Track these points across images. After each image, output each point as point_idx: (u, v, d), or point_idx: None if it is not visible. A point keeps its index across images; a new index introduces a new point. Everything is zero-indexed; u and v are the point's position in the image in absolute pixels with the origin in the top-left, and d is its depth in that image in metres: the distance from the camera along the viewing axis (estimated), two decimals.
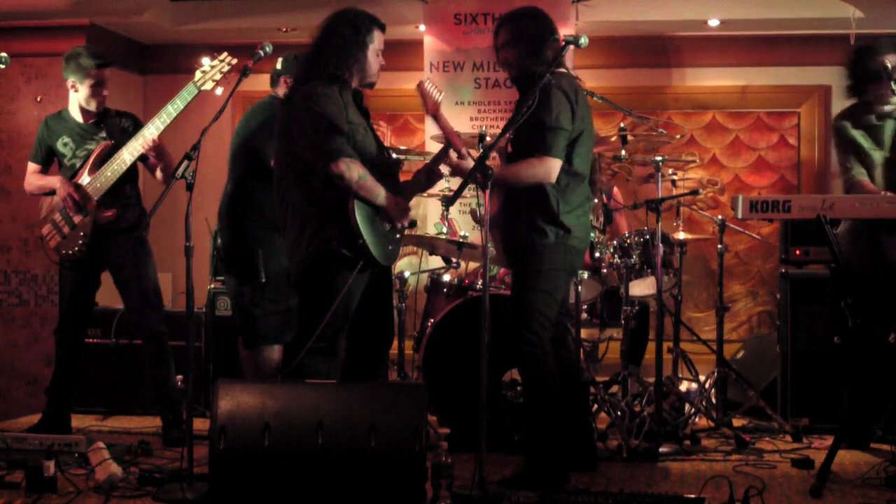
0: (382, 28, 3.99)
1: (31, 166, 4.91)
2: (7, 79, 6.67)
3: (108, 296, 5.08)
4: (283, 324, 4.44)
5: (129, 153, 4.66)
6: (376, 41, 3.94)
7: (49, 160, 4.91)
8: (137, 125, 4.88)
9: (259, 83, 4.76)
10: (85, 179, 4.72)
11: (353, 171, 3.75)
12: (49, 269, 6.60)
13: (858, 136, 4.39)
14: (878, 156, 4.37)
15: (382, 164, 3.96)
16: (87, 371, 5.21)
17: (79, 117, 4.83)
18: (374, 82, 4.01)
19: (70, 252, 4.75)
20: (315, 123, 3.76)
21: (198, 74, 4.56)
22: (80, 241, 4.72)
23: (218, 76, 4.53)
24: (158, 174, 4.77)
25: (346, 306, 3.84)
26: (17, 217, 6.76)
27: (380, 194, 3.83)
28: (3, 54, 4.05)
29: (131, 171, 4.76)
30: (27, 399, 6.48)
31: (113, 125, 4.84)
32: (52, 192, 4.80)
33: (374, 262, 3.83)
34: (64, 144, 4.81)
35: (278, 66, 4.63)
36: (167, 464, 4.15)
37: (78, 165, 4.77)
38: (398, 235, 3.99)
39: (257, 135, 4.47)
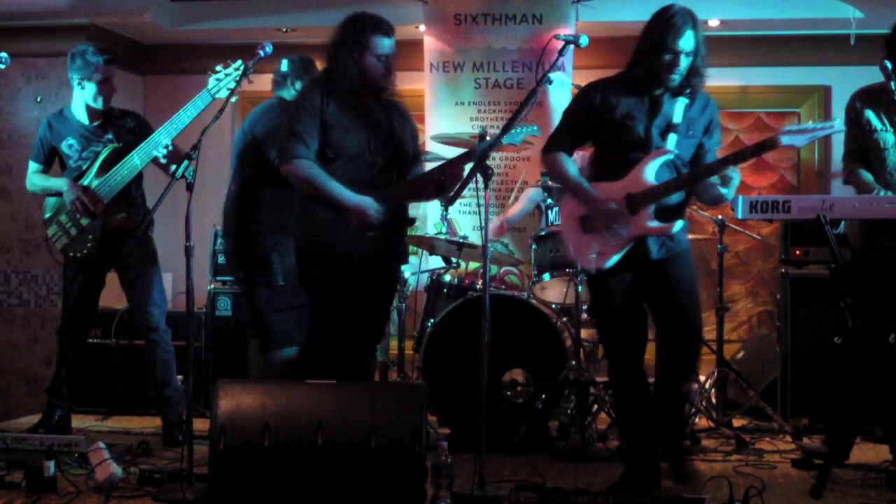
0: (386, 33, 3.94)
1: (33, 166, 4.87)
2: (7, 79, 6.66)
3: (108, 296, 5.07)
4: (297, 326, 4.34)
5: (140, 159, 4.60)
6: (375, 46, 3.90)
7: (51, 160, 4.88)
8: (141, 124, 4.86)
9: (259, 83, 4.75)
10: (93, 182, 4.69)
11: (302, 171, 3.82)
12: (49, 269, 6.59)
13: (871, 114, 4.19)
14: (889, 137, 4.16)
15: (368, 164, 3.93)
16: (87, 371, 5.22)
17: (83, 117, 4.79)
18: (380, 85, 3.97)
19: (78, 255, 4.72)
20: (281, 128, 3.93)
21: (211, 82, 4.48)
22: (90, 244, 4.69)
23: (232, 84, 4.47)
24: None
25: (330, 303, 3.85)
26: (17, 217, 6.75)
27: (333, 193, 3.81)
28: (4, 54, 4.05)
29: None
30: (27, 399, 6.49)
31: (119, 126, 4.80)
32: (57, 194, 4.77)
33: (342, 258, 3.84)
34: (69, 146, 4.77)
35: (283, 68, 4.60)
36: (167, 464, 4.15)
37: (84, 167, 4.74)
38: (370, 233, 3.88)
39: (265, 137, 4.44)
